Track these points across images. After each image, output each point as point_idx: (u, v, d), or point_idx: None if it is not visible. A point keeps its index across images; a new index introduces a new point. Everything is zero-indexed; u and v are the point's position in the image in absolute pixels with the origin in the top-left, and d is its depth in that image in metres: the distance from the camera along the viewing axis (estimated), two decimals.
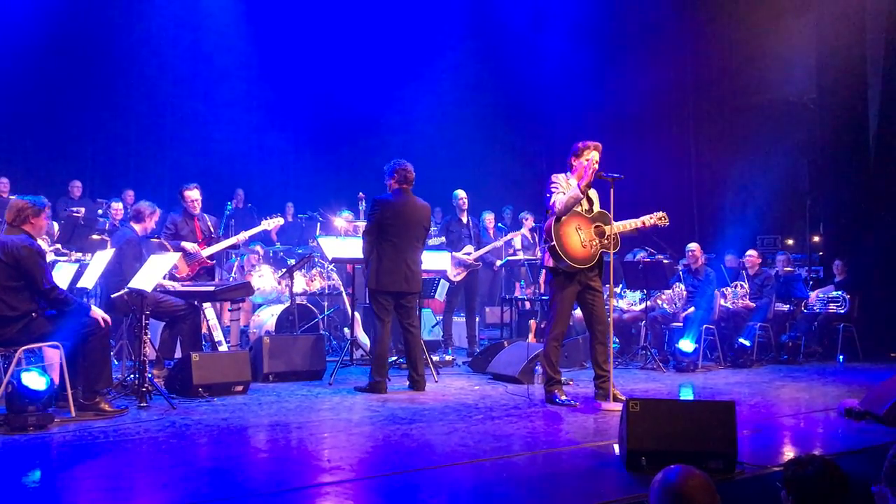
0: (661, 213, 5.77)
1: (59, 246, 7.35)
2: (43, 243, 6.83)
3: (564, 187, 5.51)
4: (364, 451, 4.17)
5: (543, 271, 7.69)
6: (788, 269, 9.51)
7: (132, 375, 5.50)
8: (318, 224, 10.38)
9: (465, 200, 8.79)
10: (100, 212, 9.49)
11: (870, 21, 9.84)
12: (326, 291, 8.64)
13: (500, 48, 12.91)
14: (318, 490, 3.46)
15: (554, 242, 5.41)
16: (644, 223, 5.73)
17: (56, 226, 8.02)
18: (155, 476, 3.74)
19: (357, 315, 7.55)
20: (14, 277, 4.72)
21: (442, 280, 8.52)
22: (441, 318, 9.00)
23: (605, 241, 5.52)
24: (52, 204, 8.38)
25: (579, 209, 5.53)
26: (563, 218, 5.46)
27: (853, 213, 9.83)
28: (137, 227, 6.34)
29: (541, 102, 12.65)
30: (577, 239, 5.46)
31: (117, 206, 9.22)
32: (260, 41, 12.26)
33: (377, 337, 6.15)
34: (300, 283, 8.39)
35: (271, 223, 7.55)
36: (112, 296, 5.76)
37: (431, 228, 9.51)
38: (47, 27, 10.53)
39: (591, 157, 5.52)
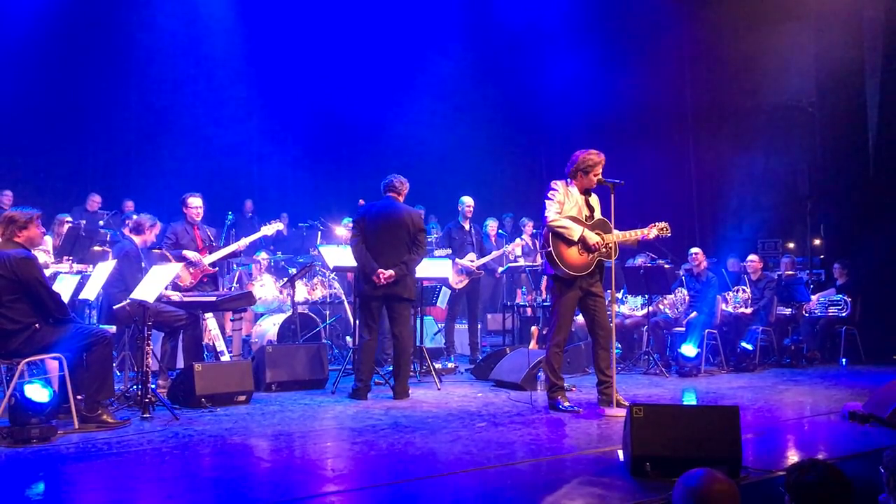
0: (662, 224, 5.71)
1: (69, 258, 7.35)
2: (44, 255, 6.87)
3: (562, 196, 5.51)
4: (367, 460, 4.16)
5: (545, 277, 7.70)
6: (790, 272, 9.50)
7: (135, 386, 5.50)
8: (319, 233, 10.38)
9: (472, 208, 8.79)
10: (101, 223, 9.48)
11: (867, 26, 9.88)
12: (328, 300, 8.64)
13: (498, 55, 12.95)
14: (322, 500, 3.46)
15: (551, 248, 5.42)
16: (646, 235, 5.70)
17: (50, 239, 7.99)
18: (159, 487, 3.74)
19: (359, 324, 7.54)
20: (13, 290, 4.70)
21: (443, 287, 8.52)
22: (443, 325, 9.00)
23: (604, 250, 5.52)
24: (59, 215, 8.49)
25: (580, 216, 5.54)
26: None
27: (853, 215, 9.83)
28: (137, 240, 6.34)
29: (540, 108, 12.67)
30: (575, 246, 5.46)
31: (135, 217, 9.19)
32: (260, 52, 12.31)
33: (363, 341, 6.17)
34: (302, 292, 8.40)
35: (271, 229, 7.56)
36: (114, 307, 5.78)
37: (433, 236, 9.57)
38: (49, 37, 10.59)
39: (600, 172, 5.53)
